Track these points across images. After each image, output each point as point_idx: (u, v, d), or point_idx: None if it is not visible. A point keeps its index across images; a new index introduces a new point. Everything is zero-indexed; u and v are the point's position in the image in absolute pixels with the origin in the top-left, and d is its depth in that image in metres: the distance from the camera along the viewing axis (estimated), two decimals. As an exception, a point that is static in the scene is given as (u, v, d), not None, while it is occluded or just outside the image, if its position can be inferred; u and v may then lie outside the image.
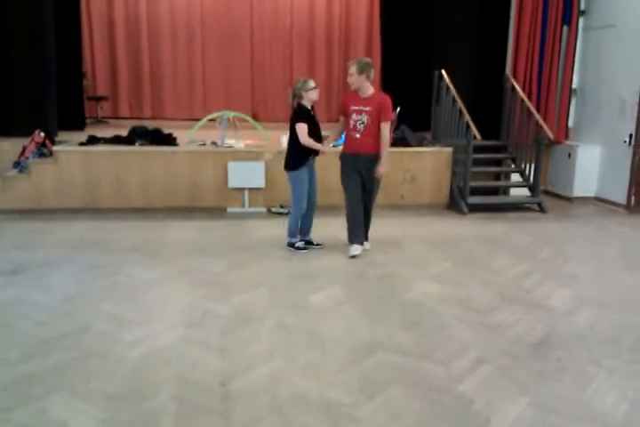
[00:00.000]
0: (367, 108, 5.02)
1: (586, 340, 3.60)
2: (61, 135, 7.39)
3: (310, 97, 5.08)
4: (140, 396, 2.84)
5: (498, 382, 3.06)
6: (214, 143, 7.05)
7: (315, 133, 5.14)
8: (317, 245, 5.42)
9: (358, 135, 5.09)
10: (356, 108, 5.06)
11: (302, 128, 5.03)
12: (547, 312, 4.04)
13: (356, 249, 5.20)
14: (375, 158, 5.09)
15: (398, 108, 7.56)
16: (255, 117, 9.20)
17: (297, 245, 5.33)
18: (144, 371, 3.08)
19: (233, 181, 6.75)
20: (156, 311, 3.90)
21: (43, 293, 4.18)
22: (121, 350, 3.31)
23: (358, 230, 5.22)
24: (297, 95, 5.07)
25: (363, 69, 4.98)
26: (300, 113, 5.09)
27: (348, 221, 5.24)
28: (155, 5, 9.82)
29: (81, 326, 3.62)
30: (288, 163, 5.22)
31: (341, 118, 5.33)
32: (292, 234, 5.35)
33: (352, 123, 5.09)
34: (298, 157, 5.14)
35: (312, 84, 5.09)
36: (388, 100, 5.09)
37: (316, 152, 5.18)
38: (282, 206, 6.78)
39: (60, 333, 3.53)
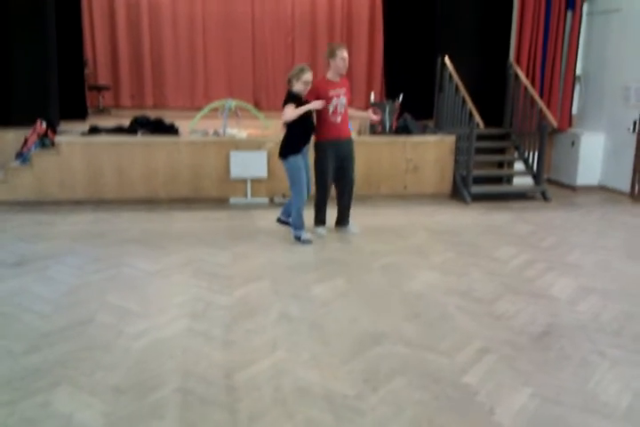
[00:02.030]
0: (343, 90, 5.20)
1: (589, 330, 3.60)
2: (63, 125, 7.35)
3: (297, 88, 4.99)
4: (145, 388, 2.85)
5: (501, 372, 3.06)
6: (216, 133, 7.02)
7: (304, 121, 5.04)
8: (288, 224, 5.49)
9: (339, 119, 5.20)
10: (335, 92, 5.15)
11: (287, 108, 4.93)
12: (550, 302, 4.03)
13: (323, 230, 5.54)
14: (351, 140, 5.36)
15: (401, 96, 7.52)
16: (257, 106, 9.16)
17: (303, 238, 5.26)
18: (148, 363, 3.09)
19: (235, 171, 6.72)
20: (160, 303, 3.91)
21: (46, 285, 4.19)
22: (125, 342, 3.32)
23: (323, 215, 5.55)
24: (289, 81, 5.03)
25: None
26: (290, 97, 5.01)
27: (317, 206, 5.51)
28: (155, -7, 9.72)
29: (84, 318, 3.63)
30: (282, 150, 5.16)
31: None
32: (297, 226, 5.29)
33: (332, 108, 5.14)
34: (292, 144, 5.09)
35: (308, 76, 4.96)
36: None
37: (307, 141, 5.16)
38: (284, 196, 6.76)
39: (63, 325, 3.54)
